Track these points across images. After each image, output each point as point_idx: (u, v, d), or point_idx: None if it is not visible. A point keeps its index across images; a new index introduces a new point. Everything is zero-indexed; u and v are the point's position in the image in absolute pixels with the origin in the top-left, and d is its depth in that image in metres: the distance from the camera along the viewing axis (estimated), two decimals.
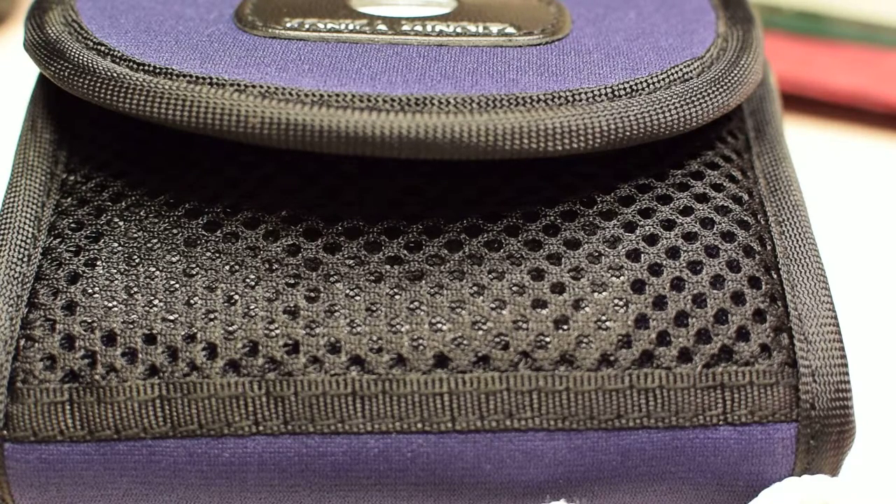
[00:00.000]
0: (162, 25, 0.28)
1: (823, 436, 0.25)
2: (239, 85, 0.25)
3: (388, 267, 0.25)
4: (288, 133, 0.24)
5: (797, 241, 0.26)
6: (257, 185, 0.27)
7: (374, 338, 0.25)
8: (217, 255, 0.26)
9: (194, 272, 0.25)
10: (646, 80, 0.26)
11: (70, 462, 0.25)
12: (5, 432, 0.24)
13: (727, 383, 0.25)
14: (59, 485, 0.25)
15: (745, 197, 0.27)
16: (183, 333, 0.25)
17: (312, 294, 0.25)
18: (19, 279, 0.25)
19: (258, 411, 0.24)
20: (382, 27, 0.28)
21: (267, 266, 0.25)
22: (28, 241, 0.26)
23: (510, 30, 0.28)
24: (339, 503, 0.25)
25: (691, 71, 0.27)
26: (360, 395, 0.24)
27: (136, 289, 0.25)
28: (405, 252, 0.26)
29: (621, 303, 0.25)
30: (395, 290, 0.25)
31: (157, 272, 0.25)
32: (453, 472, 0.25)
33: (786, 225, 0.27)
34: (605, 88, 0.26)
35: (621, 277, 0.25)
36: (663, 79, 0.26)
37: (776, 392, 0.25)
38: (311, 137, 0.24)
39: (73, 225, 0.26)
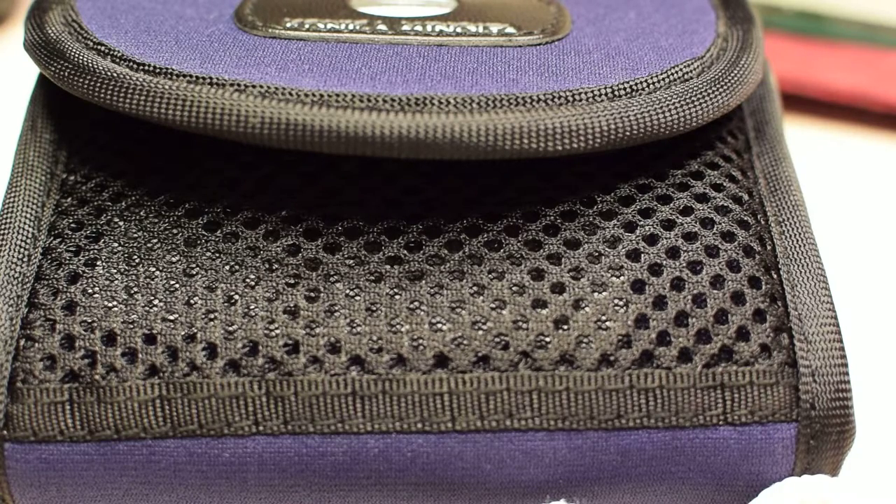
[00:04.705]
0: (162, 25, 0.28)
1: (823, 436, 0.25)
2: (239, 85, 0.25)
3: (388, 267, 0.25)
4: (288, 133, 0.24)
5: (797, 241, 0.26)
6: (257, 185, 0.27)
7: (374, 338, 0.25)
8: (217, 255, 0.26)
9: (194, 272, 0.25)
10: (646, 80, 0.26)
11: (70, 462, 0.25)
12: (5, 432, 0.24)
13: (727, 383, 0.25)
14: (59, 485, 0.25)
15: (745, 197, 0.27)
16: (183, 333, 0.25)
17: (312, 294, 0.25)
18: (19, 279, 0.25)
19: (258, 411, 0.24)
20: (382, 27, 0.28)
21: (267, 266, 0.25)
22: (28, 241, 0.26)
23: (510, 30, 0.28)
24: (339, 503, 0.25)
25: (691, 71, 0.27)
26: (360, 395, 0.24)
27: (136, 289, 0.25)
28: (405, 252, 0.26)
29: (621, 303, 0.25)
30: (395, 290, 0.25)
31: (157, 272, 0.25)
32: (453, 472, 0.25)
33: (786, 225, 0.27)
34: (605, 88, 0.26)
35: (621, 277, 0.25)
36: (663, 79, 0.26)
37: (776, 392, 0.25)
38: (311, 137, 0.24)
39: (73, 225, 0.26)
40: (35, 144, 0.28)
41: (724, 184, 0.27)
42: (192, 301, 0.25)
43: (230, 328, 0.25)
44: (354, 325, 0.25)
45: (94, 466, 0.25)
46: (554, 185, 0.27)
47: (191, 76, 0.25)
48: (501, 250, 0.26)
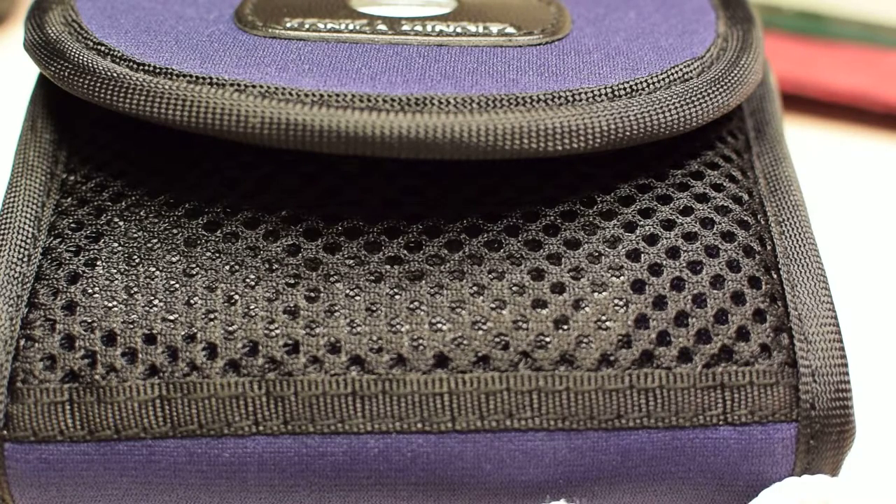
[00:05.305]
0: (162, 25, 0.28)
1: (823, 436, 0.25)
2: (239, 85, 0.25)
3: (388, 267, 0.25)
4: (288, 133, 0.24)
5: (797, 241, 0.26)
6: (257, 185, 0.27)
7: (374, 338, 0.25)
8: (217, 255, 0.26)
9: (194, 272, 0.25)
10: (646, 80, 0.26)
11: (70, 462, 0.25)
12: (5, 432, 0.24)
13: (727, 383, 0.25)
14: (59, 485, 0.25)
15: (745, 197, 0.27)
16: (183, 333, 0.25)
17: (312, 294, 0.25)
18: (19, 279, 0.25)
19: (258, 411, 0.24)
20: (382, 27, 0.28)
21: (267, 266, 0.25)
22: (28, 241, 0.26)
23: (510, 30, 0.28)
24: (339, 503, 0.25)
25: (691, 71, 0.27)
26: (360, 395, 0.24)
27: (136, 289, 0.25)
28: (405, 252, 0.26)
29: (621, 303, 0.25)
30: (395, 290, 0.25)
31: (157, 272, 0.25)
32: (453, 472, 0.25)
33: (786, 225, 0.27)
34: (605, 88, 0.26)
35: (621, 277, 0.25)
36: (663, 79, 0.26)
37: (776, 392, 0.25)
38: (311, 137, 0.24)
39: (73, 225, 0.26)
40: (35, 144, 0.28)
41: (724, 184, 0.27)
42: (192, 301, 0.25)
43: (230, 328, 0.25)
44: (354, 325, 0.25)
45: (94, 466, 0.25)
46: (554, 185, 0.27)
47: (191, 76, 0.25)
48: (501, 250, 0.26)
